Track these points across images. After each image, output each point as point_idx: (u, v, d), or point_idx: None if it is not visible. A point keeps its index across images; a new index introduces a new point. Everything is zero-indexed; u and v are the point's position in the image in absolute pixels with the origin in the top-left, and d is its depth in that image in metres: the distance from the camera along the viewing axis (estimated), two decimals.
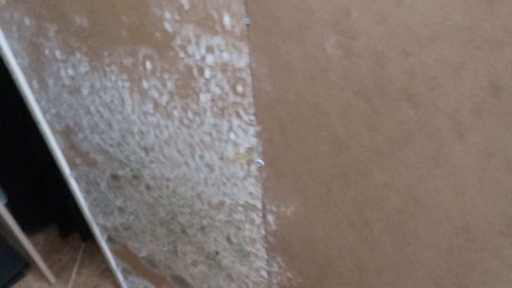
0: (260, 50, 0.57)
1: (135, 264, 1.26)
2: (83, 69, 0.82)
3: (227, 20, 0.57)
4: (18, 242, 1.44)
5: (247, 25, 0.55)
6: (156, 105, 0.76)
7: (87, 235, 1.64)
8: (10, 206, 1.74)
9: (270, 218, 0.76)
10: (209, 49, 0.62)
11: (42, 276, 1.58)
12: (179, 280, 1.15)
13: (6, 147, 1.53)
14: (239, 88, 0.63)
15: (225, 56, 0.61)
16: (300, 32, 0.52)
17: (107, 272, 1.56)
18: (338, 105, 0.54)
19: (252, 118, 0.65)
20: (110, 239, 1.24)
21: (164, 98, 0.74)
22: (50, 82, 0.91)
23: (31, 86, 0.97)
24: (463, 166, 0.48)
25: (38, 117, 1.02)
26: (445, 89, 0.45)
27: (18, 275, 1.62)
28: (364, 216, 0.61)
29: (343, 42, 0.49)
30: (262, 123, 0.64)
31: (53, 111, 0.98)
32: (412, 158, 0.51)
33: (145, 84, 0.74)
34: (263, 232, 0.80)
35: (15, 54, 0.92)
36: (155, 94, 0.74)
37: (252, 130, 0.66)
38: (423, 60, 0.44)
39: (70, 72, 0.85)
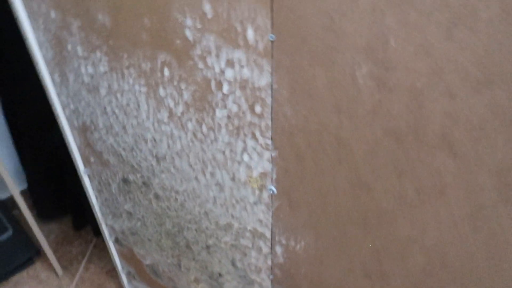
0: (283, 70, 0.51)
1: (139, 270, 1.23)
2: (102, 68, 0.79)
3: (250, 34, 0.51)
4: (31, 229, 1.43)
5: (272, 41, 0.50)
6: (171, 114, 0.72)
7: (99, 231, 1.62)
8: (30, 193, 1.76)
9: (278, 249, 0.70)
10: (229, 63, 0.57)
11: (51, 266, 1.58)
12: None
13: (31, 136, 1.54)
14: (257, 109, 0.57)
15: (246, 72, 0.55)
16: (329, 56, 0.45)
17: (113, 271, 1.54)
18: (364, 142, 0.47)
19: (269, 142, 0.59)
20: (117, 241, 1.21)
21: (180, 109, 0.69)
22: (71, 77, 0.88)
23: (53, 79, 0.95)
24: (505, 235, 0.40)
25: (58, 111, 1.00)
26: (493, 142, 0.37)
27: (28, 262, 1.62)
28: (381, 268, 0.54)
29: (377, 73, 0.42)
30: (279, 148, 0.58)
31: (72, 107, 0.95)
32: (444, 214, 0.44)
33: (161, 92, 0.70)
34: (269, 262, 0.74)
35: (40, 45, 0.90)
36: (170, 103, 0.70)
37: (267, 154, 0.60)
38: (471, 105, 0.37)
39: (90, 70, 0.82)
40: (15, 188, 1.32)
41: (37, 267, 1.61)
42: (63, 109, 0.99)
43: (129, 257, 1.22)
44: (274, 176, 0.61)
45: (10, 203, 1.84)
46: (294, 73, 0.50)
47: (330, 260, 0.61)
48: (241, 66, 0.55)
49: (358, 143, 0.48)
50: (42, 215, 1.78)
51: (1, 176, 1.27)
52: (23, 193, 1.84)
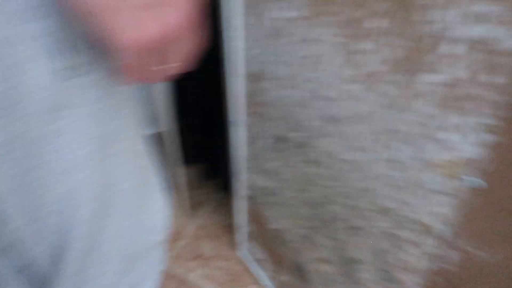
0: None
1: (261, 233, 1.21)
2: (293, 13, 0.74)
3: None
4: (169, 167, 1.53)
5: None
6: (359, 73, 0.64)
7: (228, 185, 1.67)
8: (176, 133, 1.89)
9: (455, 255, 0.58)
10: (464, 17, 0.46)
11: (181, 205, 1.68)
12: (299, 270, 1.05)
13: (191, 78, 1.63)
14: (489, 78, 0.46)
15: (487, 29, 0.45)
16: None
17: (230, 228, 1.57)
18: None
19: (491, 122, 0.47)
20: (250, 199, 1.21)
21: (374, 67, 0.61)
22: (256, 20, 0.87)
23: (244, 21, 0.94)
24: None
25: (234, 56, 1.00)
26: None
27: None
28: None
29: None
30: (508, 133, 0.46)
31: (247, 52, 0.95)
32: None
33: (357, 45, 0.63)
34: (433, 266, 0.63)
35: None
36: (365, 59, 0.62)
37: (481, 137, 0.49)
38: None
39: (278, 14, 0.79)
40: (165, 126, 1.41)
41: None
42: (237, 53, 0.99)
43: (255, 217, 1.22)
44: (487, 168, 0.50)
45: (155, 139, 2.01)
46: None
47: None
48: (481, 22, 0.45)
49: None
50: (182, 158, 1.91)
51: (156, 112, 1.36)
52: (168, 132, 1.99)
